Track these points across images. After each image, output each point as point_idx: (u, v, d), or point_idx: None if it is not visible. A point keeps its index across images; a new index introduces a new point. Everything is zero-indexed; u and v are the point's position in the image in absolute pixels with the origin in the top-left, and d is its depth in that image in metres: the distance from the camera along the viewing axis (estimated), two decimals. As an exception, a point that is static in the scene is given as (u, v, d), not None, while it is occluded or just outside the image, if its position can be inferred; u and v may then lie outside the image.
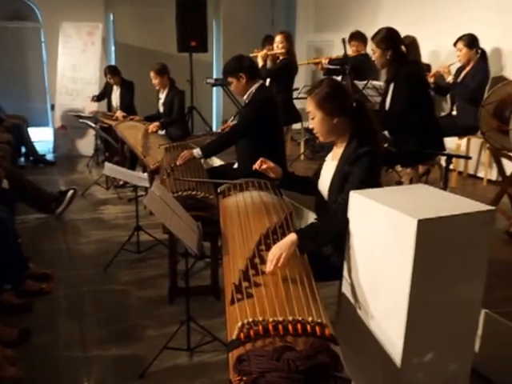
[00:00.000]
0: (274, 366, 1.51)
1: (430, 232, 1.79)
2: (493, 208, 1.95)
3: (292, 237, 2.15)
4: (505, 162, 4.07)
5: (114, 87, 6.85)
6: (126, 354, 2.81)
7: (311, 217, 3.76)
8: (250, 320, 1.72)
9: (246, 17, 8.62)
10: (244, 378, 1.51)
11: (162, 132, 5.60)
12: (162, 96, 5.88)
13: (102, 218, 5.04)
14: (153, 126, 5.45)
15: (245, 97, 3.69)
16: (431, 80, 5.06)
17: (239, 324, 1.71)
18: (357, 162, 2.30)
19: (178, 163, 3.64)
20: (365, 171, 2.28)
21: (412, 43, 5.21)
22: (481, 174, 5.36)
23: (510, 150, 3.69)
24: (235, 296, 1.91)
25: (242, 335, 1.67)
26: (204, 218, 2.86)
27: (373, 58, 3.82)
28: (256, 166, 2.77)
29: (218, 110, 9.15)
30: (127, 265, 3.90)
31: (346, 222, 2.17)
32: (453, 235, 1.87)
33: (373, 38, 3.76)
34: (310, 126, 2.52)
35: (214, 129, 8.47)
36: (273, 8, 9.05)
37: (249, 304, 1.84)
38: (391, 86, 3.76)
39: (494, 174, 4.97)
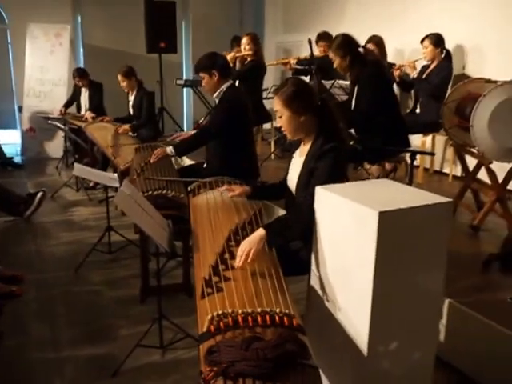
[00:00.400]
0: (243, 356, 1.56)
1: (390, 223, 1.86)
2: (450, 200, 2.03)
3: (260, 232, 2.21)
4: (468, 157, 4.20)
5: (83, 89, 6.83)
6: (98, 354, 2.83)
7: (281, 213, 3.82)
8: (220, 312, 1.77)
9: (215, 18, 8.65)
10: (214, 369, 1.55)
11: (134, 134, 5.61)
12: (131, 98, 5.90)
13: (73, 219, 5.02)
14: (123, 130, 5.45)
15: (215, 95, 3.72)
16: (396, 73, 5.20)
17: (209, 316, 1.76)
18: (322, 158, 2.37)
19: (151, 160, 3.68)
20: (330, 166, 2.35)
21: (379, 42, 5.34)
22: (446, 170, 5.51)
23: (471, 146, 3.81)
24: (205, 290, 1.96)
25: (212, 327, 1.72)
26: (175, 217, 2.89)
27: (334, 66, 3.92)
28: (220, 191, 2.90)
29: (188, 111, 9.16)
30: (99, 265, 3.90)
31: (313, 215, 2.24)
32: (413, 226, 1.95)
33: (330, 47, 3.89)
34: (278, 125, 2.58)
35: (185, 129, 8.47)
36: (241, 9, 9.11)
37: (219, 298, 1.89)
38: (356, 88, 3.87)
39: (458, 170, 5.10)
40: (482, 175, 4.03)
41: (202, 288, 1.98)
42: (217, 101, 3.73)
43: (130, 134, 5.57)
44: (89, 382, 2.59)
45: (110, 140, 5.09)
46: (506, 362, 2.45)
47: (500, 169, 3.82)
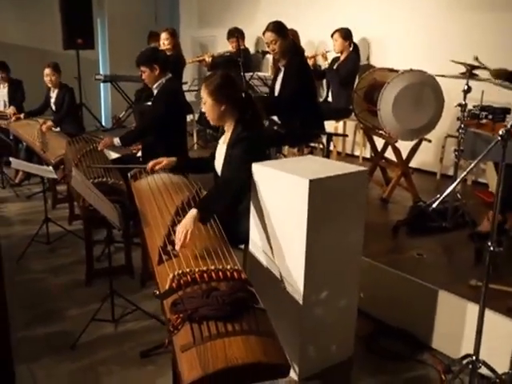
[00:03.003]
0: (205, 302, 1.86)
1: (319, 190, 2.23)
2: (365, 169, 2.43)
3: (192, 212, 2.41)
4: (376, 139, 4.69)
5: (0, 85, 6.70)
6: (54, 332, 3.02)
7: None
8: (180, 272, 2.05)
9: (130, 13, 8.70)
10: (181, 316, 1.84)
11: (57, 129, 5.66)
12: (53, 95, 5.91)
13: (3, 215, 5.04)
14: (46, 127, 5.48)
15: (154, 86, 3.95)
16: (310, 62, 5.64)
17: (170, 276, 2.04)
18: (237, 145, 2.71)
19: (99, 148, 3.98)
20: (244, 152, 2.66)
21: (294, 36, 5.73)
22: (357, 153, 6.06)
23: (379, 128, 4.28)
24: (163, 256, 2.22)
25: (173, 285, 2.00)
26: (116, 202, 3.10)
27: (271, 49, 4.05)
28: (149, 168, 3.12)
29: (106, 106, 9.19)
30: (39, 255, 4.04)
31: (230, 189, 2.57)
32: (337, 192, 2.33)
33: (273, 30, 3.98)
34: (203, 110, 2.90)
35: (104, 124, 8.52)
36: (156, 4, 9.22)
37: (176, 261, 2.17)
38: (281, 74, 4.13)
39: (367, 153, 5.62)
40: (389, 154, 4.53)
41: (159, 255, 2.24)
42: (155, 92, 3.98)
43: (54, 129, 5.61)
44: (48, 357, 2.78)
45: (36, 135, 5.15)
46: (416, 304, 2.91)
47: (404, 148, 4.33)
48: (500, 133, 1.90)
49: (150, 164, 3.12)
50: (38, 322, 3.11)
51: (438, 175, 5.17)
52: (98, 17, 8.66)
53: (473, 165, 2.22)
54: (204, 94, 2.80)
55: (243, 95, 2.84)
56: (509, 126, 1.90)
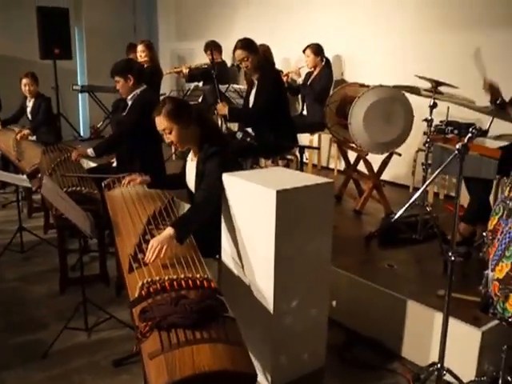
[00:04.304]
0: (173, 310, 1.90)
1: (286, 200, 2.29)
2: (331, 180, 2.51)
3: (169, 231, 2.41)
4: (349, 152, 4.79)
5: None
6: (27, 340, 3.02)
7: (186, 206, 4.13)
8: (149, 280, 2.09)
9: (108, 24, 8.72)
10: (149, 323, 1.87)
11: (33, 137, 5.65)
12: (30, 104, 5.89)
13: (-24, 225, 5.02)
14: (21, 135, 5.45)
15: (129, 97, 3.98)
16: (284, 79, 5.73)
17: (140, 284, 2.07)
18: (208, 161, 2.73)
19: (73, 158, 3.99)
20: (216, 166, 2.68)
21: (266, 51, 5.81)
22: (332, 166, 6.15)
23: (350, 141, 4.37)
24: (133, 265, 2.26)
25: (143, 293, 2.03)
26: (90, 211, 3.12)
27: (244, 66, 4.11)
28: (125, 184, 3.13)
29: (84, 116, 9.18)
30: (13, 264, 4.03)
31: (210, 206, 2.60)
32: (304, 202, 2.39)
33: (242, 47, 4.04)
34: (168, 141, 2.83)
35: (82, 134, 8.51)
36: (134, 16, 9.26)
37: (146, 269, 2.21)
38: (254, 87, 4.19)
39: (342, 165, 5.70)
40: (362, 167, 4.62)
41: (129, 263, 2.28)
42: (129, 103, 4.00)
43: (30, 138, 5.60)
44: (20, 366, 2.77)
45: (11, 144, 5.14)
46: (386, 314, 2.97)
47: (376, 161, 4.43)
48: (457, 147, 1.98)
49: (125, 181, 3.14)
50: (11, 331, 3.10)
51: (411, 188, 5.27)
52: (75, 27, 8.67)
53: (432, 178, 2.30)
54: (164, 123, 2.74)
55: (195, 113, 2.85)
56: (465, 141, 1.98)
